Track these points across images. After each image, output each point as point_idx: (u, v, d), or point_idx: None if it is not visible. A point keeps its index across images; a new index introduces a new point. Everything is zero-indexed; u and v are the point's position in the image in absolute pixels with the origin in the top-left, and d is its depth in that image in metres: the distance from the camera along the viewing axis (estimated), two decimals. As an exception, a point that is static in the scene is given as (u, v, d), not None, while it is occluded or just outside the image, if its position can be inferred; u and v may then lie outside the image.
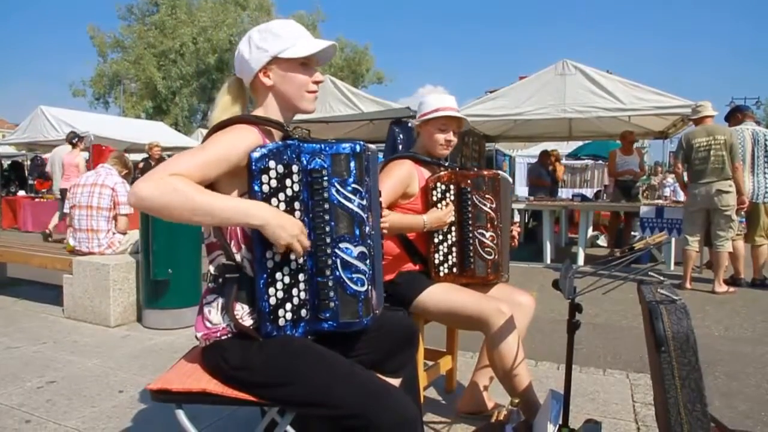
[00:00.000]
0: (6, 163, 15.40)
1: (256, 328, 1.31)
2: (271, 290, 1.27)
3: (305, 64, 1.43)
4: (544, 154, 9.42)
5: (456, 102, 2.23)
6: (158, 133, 12.97)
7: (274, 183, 1.26)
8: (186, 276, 3.65)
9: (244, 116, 1.40)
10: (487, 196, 2.13)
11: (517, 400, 2.00)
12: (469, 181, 2.13)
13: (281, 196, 1.27)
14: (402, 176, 2.10)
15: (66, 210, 4.35)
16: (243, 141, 1.30)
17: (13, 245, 4.89)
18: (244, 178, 1.28)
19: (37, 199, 11.57)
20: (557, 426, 1.61)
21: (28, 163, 16.51)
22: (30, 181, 14.89)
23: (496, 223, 2.15)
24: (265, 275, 1.27)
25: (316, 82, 1.46)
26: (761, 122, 6.75)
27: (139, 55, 25.56)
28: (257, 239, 1.26)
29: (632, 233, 7.81)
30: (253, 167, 1.25)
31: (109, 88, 27.47)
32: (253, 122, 1.37)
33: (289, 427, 1.43)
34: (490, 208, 2.14)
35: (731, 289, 5.19)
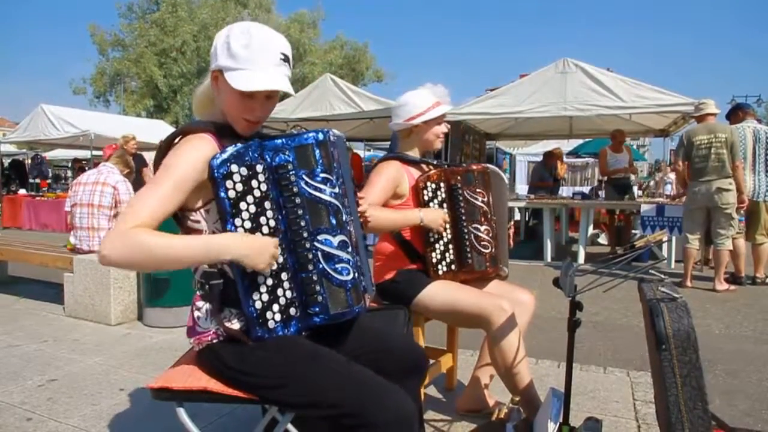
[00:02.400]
0: (6, 161, 15.41)
1: (246, 330, 1.30)
2: (255, 295, 1.26)
3: (248, 96, 1.30)
4: (548, 155, 9.41)
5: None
6: (159, 131, 12.96)
7: (239, 187, 1.23)
8: (187, 274, 3.57)
9: (209, 127, 1.34)
10: (478, 190, 2.13)
11: (517, 398, 2.00)
12: (458, 178, 2.13)
13: (249, 198, 1.24)
14: (391, 176, 2.09)
15: (67, 208, 4.35)
16: (197, 155, 1.25)
17: (14, 244, 4.89)
18: (209, 187, 1.25)
19: (38, 198, 11.58)
20: (558, 424, 1.61)
21: (29, 161, 16.53)
22: (31, 180, 14.91)
23: (489, 216, 2.15)
24: (246, 281, 1.25)
25: (256, 115, 1.35)
26: (762, 120, 6.73)
27: (139, 53, 25.51)
28: None
29: (633, 231, 7.81)
30: (216, 174, 1.21)
31: (110, 86, 27.45)
32: (214, 133, 1.32)
33: (289, 425, 1.43)
34: (483, 201, 2.14)
35: (732, 287, 5.19)
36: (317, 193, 1.28)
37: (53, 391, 2.58)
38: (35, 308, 4.26)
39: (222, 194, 1.22)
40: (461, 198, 2.12)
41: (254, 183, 1.25)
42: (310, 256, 1.28)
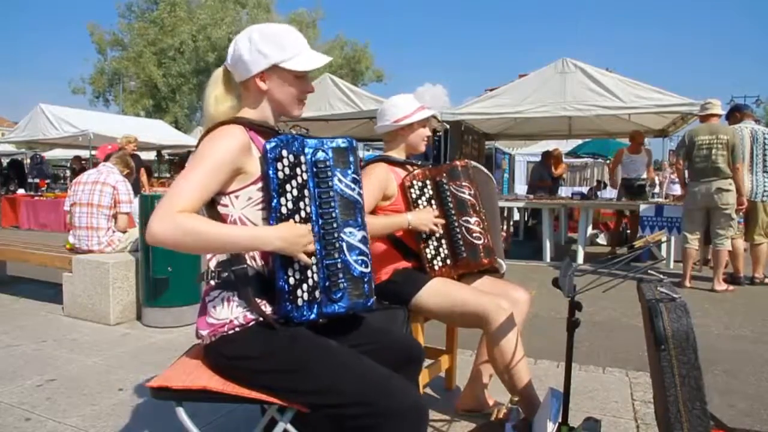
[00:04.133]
0: (5, 161, 15.38)
1: (272, 314, 1.36)
2: (290, 271, 1.33)
3: (301, 76, 1.48)
4: (547, 155, 9.43)
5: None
6: (158, 131, 12.96)
7: (287, 170, 1.34)
8: (186, 274, 3.65)
9: (239, 120, 1.42)
10: (464, 183, 2.16)
11: (516, 398, 2.00)
12: (444, 174, 2.16)
13: (293, 183, 1.35)
14: (379, 179, 2.13)
15: (66, 208, 4.33)
16: (232, 142, 1.34)
17: (13, 243, 4.89)
18: (245, 175, 1.36)
19: (36, 198, 11.56)
20: (557, 424, 1.61)
21: (28, 161, 16.50)
22: (30, 180, 14.88)
23: (478, 208, 2.16)
24: (283, 257, 1.32)
25: (308, 92, 1.52)
26: (760, 120, 6.74)
27: (138, 53, 25.52)
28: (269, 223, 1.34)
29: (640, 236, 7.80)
30: (269, 155, 1.33)
31: (109, 85, 27.46)
32: (245, 125, 1.41)
33: (288, 425, 1.43)
34: (470, 194, 2.16)
35: (730, 287, 5.20)
36: (348, 190, 1.43)
37: (52, 391, 2.58)
38: (34, 308, 4.25)
39: (272, 173, 1.33)
40: (448, 193, 2.15)
41: (298, 170, 1.37)
42: (337, 245, 1.40)
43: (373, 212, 2.12)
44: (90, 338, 3.47)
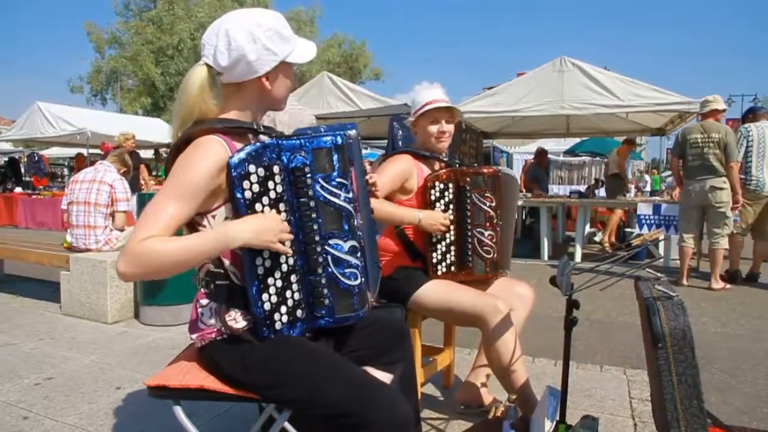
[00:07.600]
0: (3, 159, 15.34)
1: (251, 330, 1.31)
2: (265, 296, 1.25)
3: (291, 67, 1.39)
4: (541, 153, 9.45)
5: (444, 92, 2.19)
6: (156, 129, 12.92)
7: (256, 188, 1.21)
8: (183, 272, 3.64)
9: (220, 124, 1.29)
10: (486, 194, 2.10)
11: (514, 396, 2.00)
12: (468, 179, 2.09)
13: (264, 200, 1.23)
14: (400, 170, 2.08)
15: (64, 206, 4.32)
16: (208, 162, 1.21)
17: (10, 242, 4.88)
18: (223, 192, 1.25)
19: (33, 196, 11.54)
20: (554, 422, 1.61)
21: (25, 159, 16.46)
22: (26, 178, 14.84)
23: (495, 221, 2.12)
24: (256, 282, 1.24)
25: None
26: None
27: (136, 52, 25.46)
28: (244, 248, 1.23)
29: (628, 229, 7.84)
30: (233, 173, 1.19)
31: (107, 84, 27.40)
32: (225, 133, 1.28)
33: (286, 424, 1.43)
34: (489, 206, 2.11)
35: (728, 285, 5.21)
36: (332, 198, 1.28)
37: (50, 390, 2.57)
38: (32, 307, 4.25)
39: (238, 194, 1.20)
40: (468, 201, 2.09)
41: (270, 184, 1.23)
42: (320, 259, 1.29)
43: (389, 200, 2.09)
44: (88, 337, 3.47)
